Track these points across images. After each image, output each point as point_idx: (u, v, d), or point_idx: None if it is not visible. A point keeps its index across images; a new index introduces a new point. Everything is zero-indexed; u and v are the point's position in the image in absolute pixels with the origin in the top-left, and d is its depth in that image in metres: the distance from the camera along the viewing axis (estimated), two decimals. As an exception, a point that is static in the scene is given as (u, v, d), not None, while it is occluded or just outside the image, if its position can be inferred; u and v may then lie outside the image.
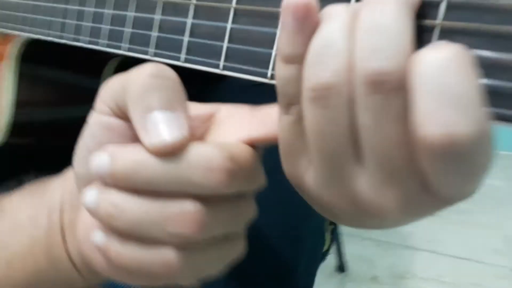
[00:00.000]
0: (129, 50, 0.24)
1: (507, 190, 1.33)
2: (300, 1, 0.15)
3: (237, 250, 0.19)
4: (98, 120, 0.19)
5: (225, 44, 0.20)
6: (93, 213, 0.18)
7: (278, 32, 0.18)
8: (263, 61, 0.19)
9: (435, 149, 0.13)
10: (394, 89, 0.14)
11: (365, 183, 0.16)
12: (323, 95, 0.15)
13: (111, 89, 0.19)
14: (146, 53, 0.24)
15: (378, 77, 0.14)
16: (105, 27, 0.26)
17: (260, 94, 0.40)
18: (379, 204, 0.16)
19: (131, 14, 0.24)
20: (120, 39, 0.24)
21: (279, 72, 0.17)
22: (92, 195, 0.18)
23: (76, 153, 0.20)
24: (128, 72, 0.19)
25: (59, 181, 0.24)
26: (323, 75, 0.15)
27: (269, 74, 0.19)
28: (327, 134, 0.16)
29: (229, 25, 0.20)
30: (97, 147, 0.18)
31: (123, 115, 0.19)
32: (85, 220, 0.20)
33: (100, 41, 0.26)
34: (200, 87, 0.43)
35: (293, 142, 0.17)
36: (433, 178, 0.14)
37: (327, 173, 0.16)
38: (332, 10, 0.16)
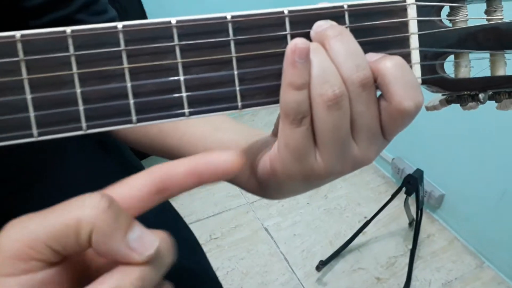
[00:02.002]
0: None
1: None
2: (303, 46, 0.23)
3: None
4: (29, 281, 0.17)
5: (184, 94, 0.24)
6: None
7: (286, 69, 0.23)
8: (228, 98, 0.25)
9: (410, 112, 0.23)
10: (372, 85, 0.23)
11: (360, 148, 0.24)
12: (337, 101, 0.22)
13: (46, 239, 0.17)
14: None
15: (365, 81, 0.23)
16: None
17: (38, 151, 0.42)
18: (369, 155, 0.25)
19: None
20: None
21: (292, 98, 0.23)
22: None
23: None
24: (58, 213, 0.18)
25: None
26: (333, 89, 0.22)
27: (239, 105, 0.25)
28: (339, 126, 0.23)
29: (182, 77, 0.24)
30: None
31: (60, 258, 0.18)
32: None
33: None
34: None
35: (304, 145, 0.24)
36: (392, 131, 0.25)
37: (338, 152, 0.24)
38: (310, 45, 0.23)
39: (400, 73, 0.23)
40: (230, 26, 0.24)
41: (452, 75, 0.29)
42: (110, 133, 0.48)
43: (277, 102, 0.25)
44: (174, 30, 0.24)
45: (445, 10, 0.28)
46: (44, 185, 0.46)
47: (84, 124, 0.24)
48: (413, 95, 0.23)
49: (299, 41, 0.23)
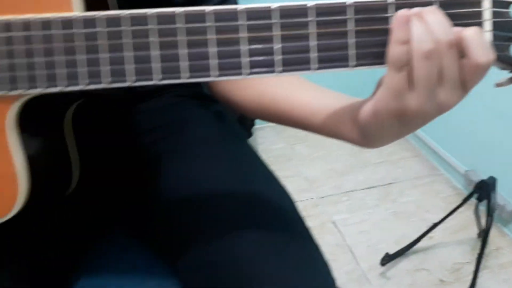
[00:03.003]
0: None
1: None
2: (407, 13, 0.34)
3: None
4: None
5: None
6: None
7: (394, 30, 0.34)
8: (345, 59, 0.36)
9: (484, 67, 0.33)
10: (455, 46, 0.33)
11: (444, 94, 0.34)
12: (431, 54, 0.32)
13: None
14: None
15: (450, 42, 0.33)
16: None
17: (178, 111, 0.60)
18: (451, 101, 0.34)
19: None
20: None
21: (397, 50, 0.33)
22: None
23: None
24: None
25: None
26: (430, 45, 0.32)
27: (354, 64, 0.36)
28: (431, 73, 0.33)
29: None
30: None
31: None
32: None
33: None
34: (128, 106, 0.60)
35: (402, 86, 0.33)
36: (470, 83, 0.34)
37: (428, 94, 0.33)
38: (410, 14, 0.33)
39: (477, 37, 0.33)
40: (352, 9, 0.35)
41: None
42: (230, 106, 0.60)
43: (380, 63, 0.36)
44: (312, 11, 0.36)
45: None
46: (180, 136, 0.60)
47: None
48: (486, 53, 0.33)
49: (404, 11, 0.33)
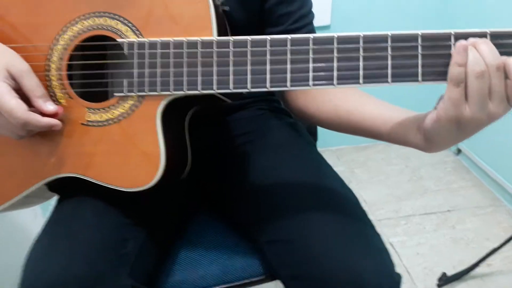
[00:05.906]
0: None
1: None
2: (465, 43, 0.44)
3: None
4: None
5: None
6: None
7: (455, 55, 0.44)
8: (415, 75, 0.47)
9: None
10: (502, 69, 0.44)
11: (493, 106, 0.44)
12: (482, 74, 0.43)
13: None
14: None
15: (498, 65, 0.43)
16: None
17: (261, 121, 0.76)
18: (498, 112, 0.44)
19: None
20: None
21: (456, 71, 0.44)
22: None
23: None
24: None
25: None
26: (482, 68, 0.43)
27: (421, 79, 0.47)
28: (482, 89, 0.43)
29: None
30: None
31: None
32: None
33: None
34: (218, 119, 0.74)
35: (459, 98, 0.44)
36: None
37: (480, 105, 0.44)
38: (467, 44, 0.44)
39: None
40: (419, 38, 0.46)
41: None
42: (304, 118, 0.72)
43: (443, 79, 0.46)
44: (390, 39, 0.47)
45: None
46: (264, 139, 0.73)
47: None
48: None
49: (463, 42, 0.44)
